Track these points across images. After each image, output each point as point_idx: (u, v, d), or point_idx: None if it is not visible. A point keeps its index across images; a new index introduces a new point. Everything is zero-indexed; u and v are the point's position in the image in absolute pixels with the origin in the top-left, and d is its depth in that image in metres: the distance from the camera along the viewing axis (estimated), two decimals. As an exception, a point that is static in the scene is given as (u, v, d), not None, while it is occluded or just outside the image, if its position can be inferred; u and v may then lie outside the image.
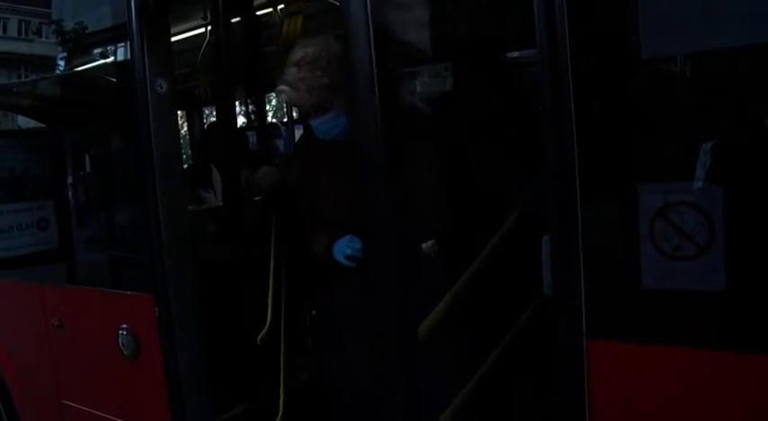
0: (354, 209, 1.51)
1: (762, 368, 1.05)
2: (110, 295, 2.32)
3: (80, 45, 2.43)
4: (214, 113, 4.61)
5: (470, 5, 2.55)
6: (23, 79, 2.94)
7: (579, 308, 1.20)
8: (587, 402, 1.22)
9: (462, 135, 2.03)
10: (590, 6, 1.21)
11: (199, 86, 3.09)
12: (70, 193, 2.56)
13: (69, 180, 2.55)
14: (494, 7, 2.40)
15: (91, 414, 2.48)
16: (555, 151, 1.21)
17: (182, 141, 3.45)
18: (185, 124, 5.07)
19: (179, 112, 3.12)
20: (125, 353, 2.21)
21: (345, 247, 1.83)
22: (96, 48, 2.38)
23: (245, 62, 3.07)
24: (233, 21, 2.86)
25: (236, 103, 3.54)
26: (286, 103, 3.53)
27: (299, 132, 3.93)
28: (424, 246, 1.78)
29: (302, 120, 2.57)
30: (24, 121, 3.07)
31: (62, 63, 2.51)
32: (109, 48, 2.28)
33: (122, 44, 2.12)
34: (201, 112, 5.03)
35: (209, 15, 2.89)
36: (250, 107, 4.23)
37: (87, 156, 2.61)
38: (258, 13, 3.02)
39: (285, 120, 4.71)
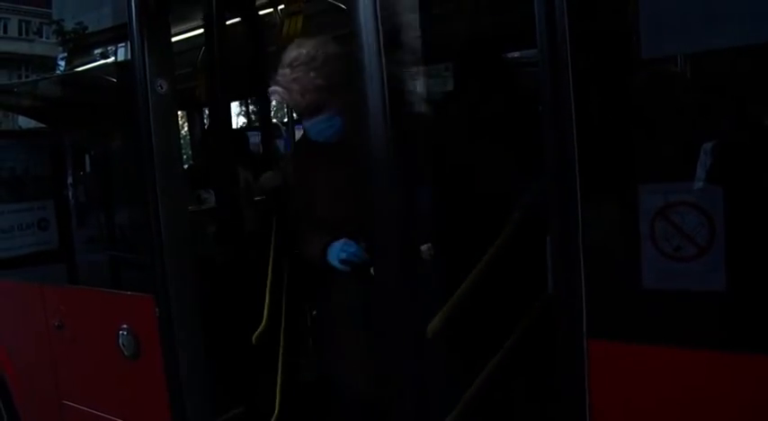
0: (349, 211, 1.50)
1: (762, 368, 1.05)
2: (110, 295, 2.32)
3: (80, 45, 2.44)
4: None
5: (471, 5, 2.56)
6: (24, 79, 2.94)
7: (580, 308, 1.20)
8: (587, 402, 1.22)
9: (462, 135, 2.02)
10: (590, 6, 1.21)
11: (199, 86, 3.09)
12: (71, 193, 2.56)
13: (70, 180, 2.55)
14: (494, 7, 2.40)
15: (91, 414, 2.48)
16: (555, 151, 1.21)
17: (182, 141, 3.45)
18: (185, 124, 5.06)
19: (179, 112, 3.11)
20: (125, 353, 2.21)
21: (340, 251, 1.78)
22: (97, 48, 2.38)
23: (245, 62, 3.07)
24: (233, 21, 2.86)
25: (237, 103, 3.53)
26: (279, 103, 3.51)
27: (299, 132, 3.93)
28: (421, 248, 1.77)
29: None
30: (25, 122, 3.08)
31: (62, 63, 2.51)
32: (109, 48, 2.28)
33: (123, 44, 2.12)
34: (202, 112, 5.02)
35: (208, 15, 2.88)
36: (251, 107, 4.23)
37: (88, 157, 2.62)
38: (260, 13, 3.02)
39: (285, 120, 4.71)
